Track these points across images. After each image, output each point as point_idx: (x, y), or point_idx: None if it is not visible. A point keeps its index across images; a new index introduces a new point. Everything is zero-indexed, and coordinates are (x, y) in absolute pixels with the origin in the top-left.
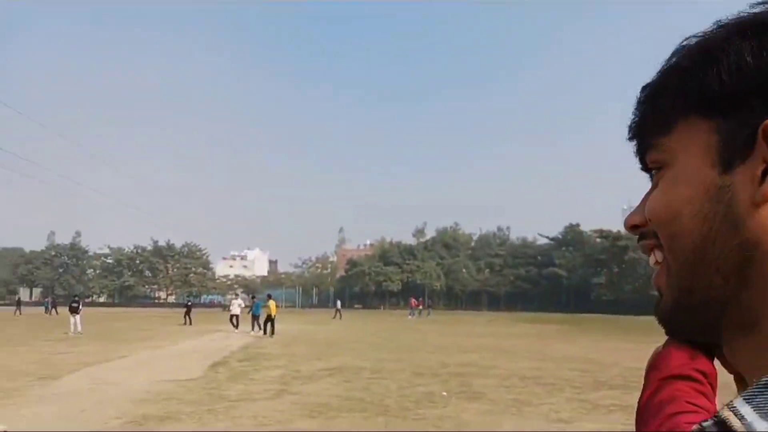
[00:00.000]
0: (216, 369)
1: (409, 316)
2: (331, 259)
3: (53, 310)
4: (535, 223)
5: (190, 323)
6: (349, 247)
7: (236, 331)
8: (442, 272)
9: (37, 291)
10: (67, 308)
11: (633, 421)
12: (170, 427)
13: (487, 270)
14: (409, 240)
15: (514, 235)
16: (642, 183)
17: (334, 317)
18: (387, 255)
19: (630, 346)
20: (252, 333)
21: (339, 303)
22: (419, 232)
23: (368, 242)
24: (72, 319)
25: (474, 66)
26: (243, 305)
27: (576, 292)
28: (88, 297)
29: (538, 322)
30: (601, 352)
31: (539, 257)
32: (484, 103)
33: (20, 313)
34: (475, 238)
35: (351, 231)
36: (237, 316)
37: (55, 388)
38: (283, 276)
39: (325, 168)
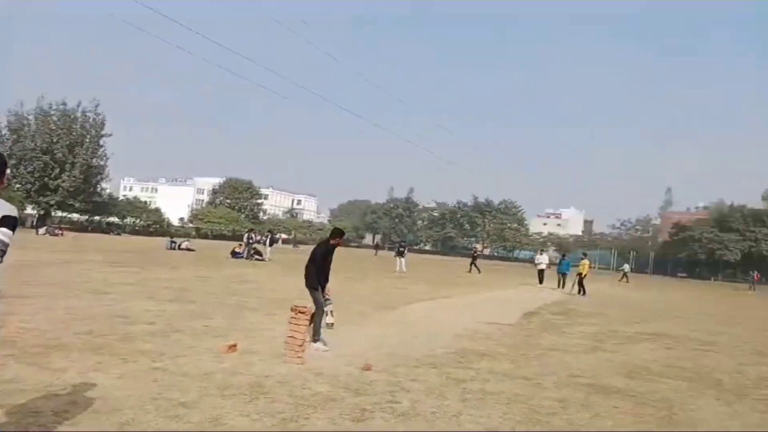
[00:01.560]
0: (530, 318)
1: (750, 291)
2: (653, 222)
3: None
4: None
5: (479, 271)
6: (676, 209)
7: (540, 285)
8: None
9: (377, 237)
10: (394, 252)
11: None
12: (486, 364)
13: None
14: (757, 204)
15: None
16: None
17: (621, 280)
18: (726, 220)
19: None
20: (559, 290)
21: (626, 267)
22: None
23: (701, 205)
24: (398, 261)
25: None
26: (548, 261)
27: None
28: (416, 244)
29: None
30: None
31: None
32: None
33: (377, 255)
34: None
35: (680, 192)
36: (543, 270)
37: (394, 316)
38: (597, 236)
39: (653, 118)
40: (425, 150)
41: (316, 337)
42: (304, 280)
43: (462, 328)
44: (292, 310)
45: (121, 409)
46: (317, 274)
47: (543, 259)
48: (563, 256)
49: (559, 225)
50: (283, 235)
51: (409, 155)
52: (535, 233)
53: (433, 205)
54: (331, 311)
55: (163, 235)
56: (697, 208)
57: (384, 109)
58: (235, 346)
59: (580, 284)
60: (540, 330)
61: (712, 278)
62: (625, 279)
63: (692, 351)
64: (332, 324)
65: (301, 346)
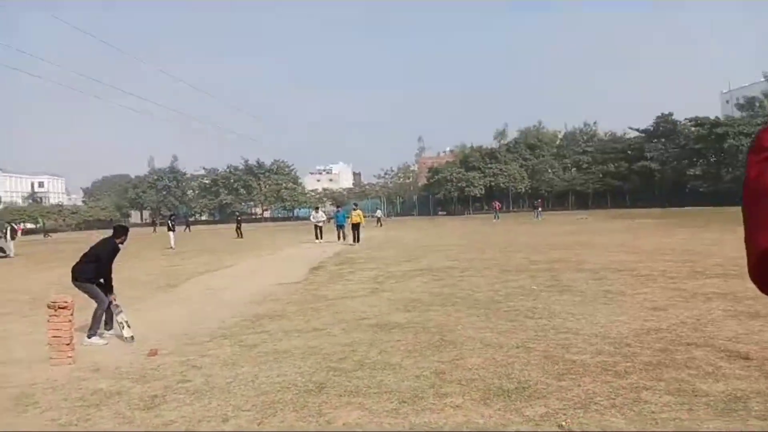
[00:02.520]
0: (315, 272)
1: (494, 220)
2: (412, 168)
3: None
4: (625, 116)
5: (241, 236)
6: (429, 155)
7: (320, 241)
8: (527, 174)
9: (146, 213)
10: (165, 227)
11: (733, 308)
12: (278, 324)
13: (573, 169)
14: (491, 144)
15: (602, 130)
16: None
17: (376, 225)
18: (468, 160)
19: (730, 237)
20: (339, 242)
21: (379, 212)
22: (500, 134)
23: (448, 149)
24: (170, 236)
25: None
26: (325, 217)
27: (670, 186)
28: (191, 216)
29: (630, 218)
30: (699, 243)
31: (629, 151)
32: None
33: (156, 232)
34: (560, 136)
35: (430, 139)
36: (320, 227)
37: (174, 295)
38: (367, 187)
39: (403, 78)
40: (184, 115)
41: (91, 331)
42: (72, 276)
43: (250, 294)
44: (49, 307)
45: None
46: (97, 273)
47: (319, 216)
48: (338, 209)
49: (331, 180)
50: (28, 225)
51: (165, 122)
52: (310, 190)
53: (202, 172)
54: (126, 322)
55: None
56: (445, 152)
57: (126, 72)
58: None
59: (358, 232)
60: (326, 282)
61: (465, 213)
62: (378, 224)
63: (454, 278)
64: (132, 337)
65: (68, 344)
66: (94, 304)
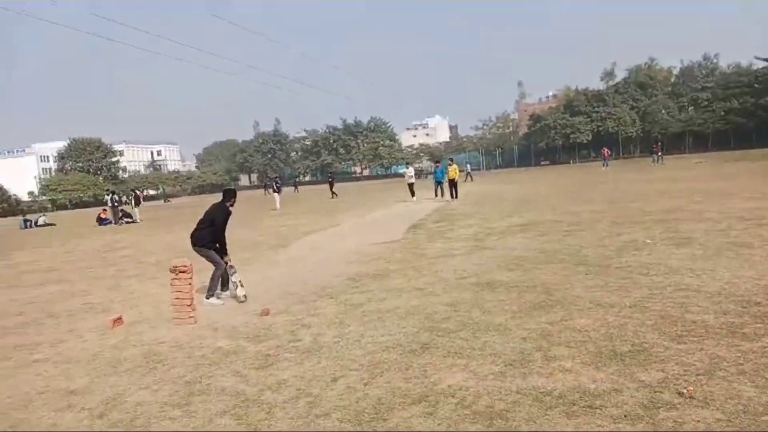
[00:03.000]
0: (414, 231)
1: (603, 167)
2: (512, 117)
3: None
4: (751, 45)
5: (335, 195)
6: (530, 101)
7: (414, 199)
8: (638, 116)
9: (253, 176)
10: (271, 189)
11: None
12: (380, 283)
13: (691, 108)
14: (597, 85)
15: (725, 63)
16: None
17: (465, 180)
18: (573, 104)
19: None
20: (437, 199)
21: (468, 167)
22: (608, 75)
23: (551, 94)
24: (276, 197)
25: None
26: (413, 173)
27: None
28: (296, 177)
29: (758, 160)
30: None
31: (756, 84)
32: None
33: (268, 194)
34: (675, 72)
35: (531, 84)
36: (412, 184)
37: (282, 255)
38: (464, 140)
39: (495, 20)
40: (286, 79)
41: (210, 293)
42: (191, 242)
43: (353, 253)
44: (171, 271)
45: (3, 412)
46: (213, 238)
47: (410, 173)
48: (436, 164)
49: (427, 135)
50: (150, 191)
51: (268, 86)
52: (407, 147)
53: (303, 134)
54: (240, 281)
55: (13, 214)
56: (547, 97)
57: (233, 42)
58: (120, 319)
59: (455, 188)
60: (425, 240)
61: (571, 161)
62: (469, 178)
63: (560, 233)
64: (245, 296)
65: (190, 305)
66: (212, 267)
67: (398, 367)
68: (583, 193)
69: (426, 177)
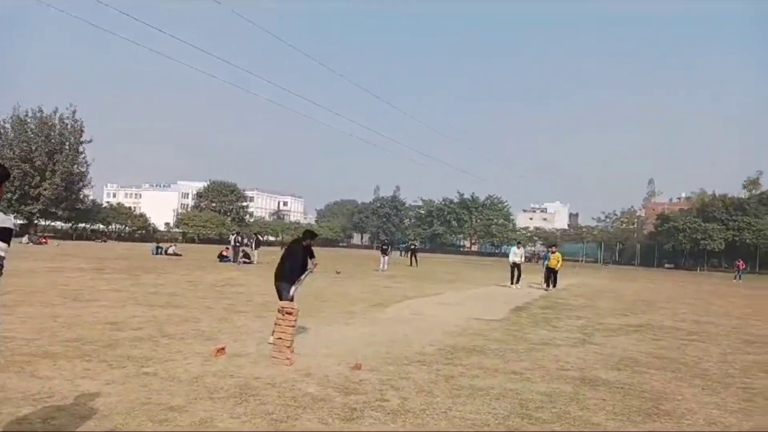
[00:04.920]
0: (518, 313)
1: (735, 280)
2: (638, 213)
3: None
4: None
5: (416, 264)
6: (659, 200)
7: (514, 286)
8: None
9: (365, 236)
10: (379, 250)
11: None
12: (476, 359)
13: None
14: (738, 193)
15: None
16: None
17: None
18: (707, 210)
19: None
20: (544, 286)
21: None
22: (752, 183)
23: (683, 195)
24: (382, 259)
25: None
26: (522, 255)
27: None
28: (405, 243)
29: None
30: None
31: None
32: None
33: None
34: None
35: (662, 183)
36: (518, 265)
37: (384, 314)
38: (584, 229)
39: (629, 110)
40: (411, 149)
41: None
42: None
43: (452, 325)
44: (278, 311)
45: (109, 415)
46: (290, 271)
47: (519, 253)
48: (549, 249)
49: (545, 219)
50: (270, 237)
51: (393, 154)
52: (521, 228)
53: (419, 203)
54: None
55: (149, 240)
56: (679, 198)
57: (365, 108)
58: (223, 349)
59: (554, 277)
60: (528, 325)
61: (698, 268)
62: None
63: (679, 341)
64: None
65: (289, 347)
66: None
67: None
68: (710, 304)
69: (536, 262)
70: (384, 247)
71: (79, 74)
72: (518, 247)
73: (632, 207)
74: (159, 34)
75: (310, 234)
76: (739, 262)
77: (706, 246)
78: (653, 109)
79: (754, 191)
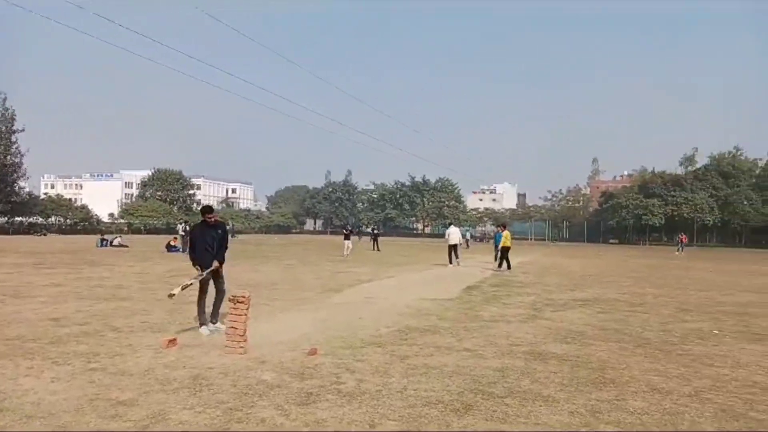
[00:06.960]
0: (470, 292)
1: (677, 252)
2: (583, 192)
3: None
4: None
5: (378, 249)
6: (603, 178)
7: (452, 265)
8: (717, 205)
9: (319, 222)
10: (343, 236)
11: None
12: (429, 339)
13: None
14: (676, 169)
15: None
16: None
17: (467, 248)
18: (648, 186)
19: None
20: (494, 264)
21: (468, 234)
22: (688, 160)
23: (626, 173)
24: (345, 244)
25: None
26: (460, 236)
27: None
28: (359, 227)
29: None
30: None
31: None
32: None
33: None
34: (761, 164)
35: (606, 162)
36: (455, 246)
37: (338, 299)
38: (532, 208)
39: (573, 94)
40: (362, 133)
41: (201, 319)
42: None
43: (405, 306)
44: (230, 300)
45: (55, 413)
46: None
47: (453, 233)
48: (498, 228)
49: (494, 200)
50: None
51: (344, 138)
52: (471, 209)
53: (371, 187)
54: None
55: (92, 233)
56: (622, 176)
57: (316, 94)
58: (175, 340)
59: (503, 257)
60: (480, 303)
61: (641, 243)
62: (466, 245)
63: (622, 313)
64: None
65: (242, 335)
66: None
67: (437, 424)
68: (652, 276)
69: (488, 242)
70: (346, 233)
71: (8, 60)
72: (459, 229)
73: (577, 185)
74: (95, 18)
75: (208, 209)
76: (681, 235)
77: (647, 221)
78: (597, 90)
79: (690, 167)
